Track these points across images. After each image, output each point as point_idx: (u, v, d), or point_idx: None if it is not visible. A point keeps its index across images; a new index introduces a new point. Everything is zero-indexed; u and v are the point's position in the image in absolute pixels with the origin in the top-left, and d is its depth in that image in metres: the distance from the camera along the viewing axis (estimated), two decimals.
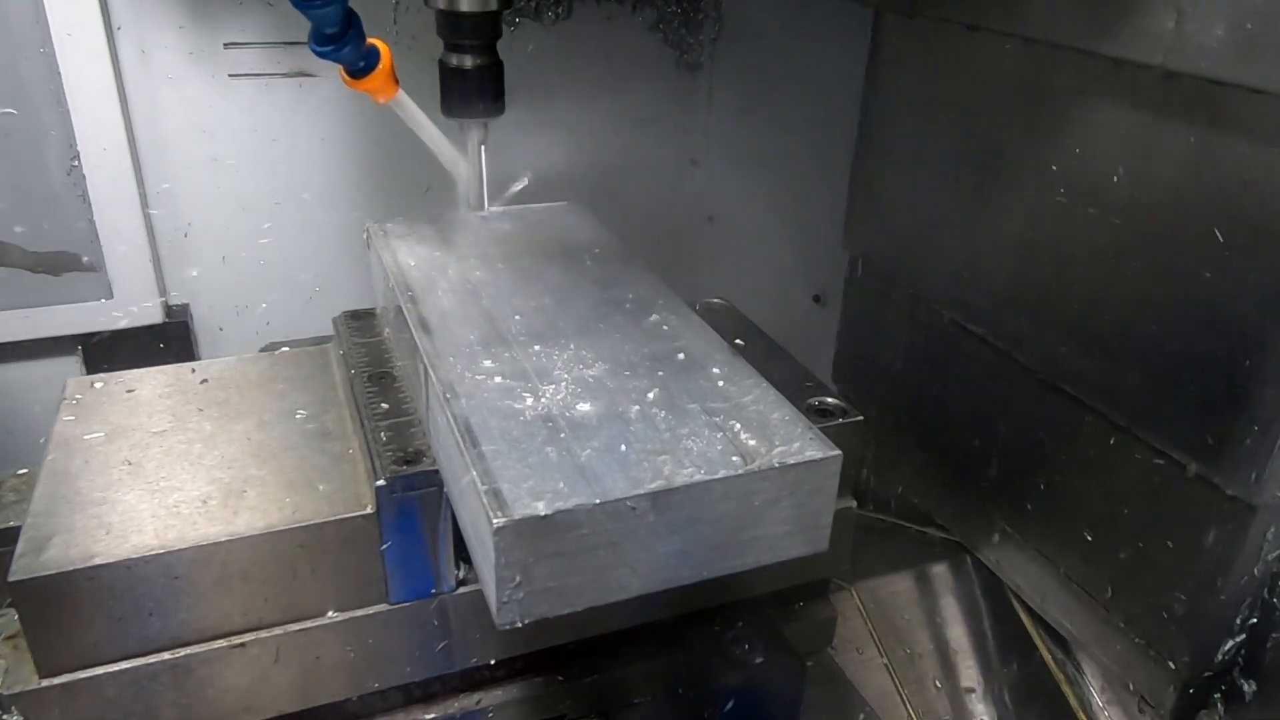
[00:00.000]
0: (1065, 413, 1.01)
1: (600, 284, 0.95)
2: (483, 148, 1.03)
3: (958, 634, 1.17)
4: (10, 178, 1.19)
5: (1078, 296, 0.97)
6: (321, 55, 0.85)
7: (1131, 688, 0.99)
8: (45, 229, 1.23)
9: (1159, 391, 0.90)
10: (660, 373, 0.80)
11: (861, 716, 0.97)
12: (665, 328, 0.88)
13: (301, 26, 0.81)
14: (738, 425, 0.73)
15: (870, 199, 1.30)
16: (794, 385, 0.97)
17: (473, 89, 0.99)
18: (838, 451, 0.71)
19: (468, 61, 0.97)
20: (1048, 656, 1.10)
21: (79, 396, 0.95)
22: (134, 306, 1.29)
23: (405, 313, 0.88)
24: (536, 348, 0.82)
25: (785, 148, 1.55)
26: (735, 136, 1.55)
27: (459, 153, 1.04)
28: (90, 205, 1.22)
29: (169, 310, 1.33)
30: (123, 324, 1.29)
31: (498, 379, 0.78)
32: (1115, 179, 0.91)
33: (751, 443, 0.71)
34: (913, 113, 1.19)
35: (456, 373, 0.78)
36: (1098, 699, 1.06)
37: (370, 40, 0.89)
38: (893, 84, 1.23)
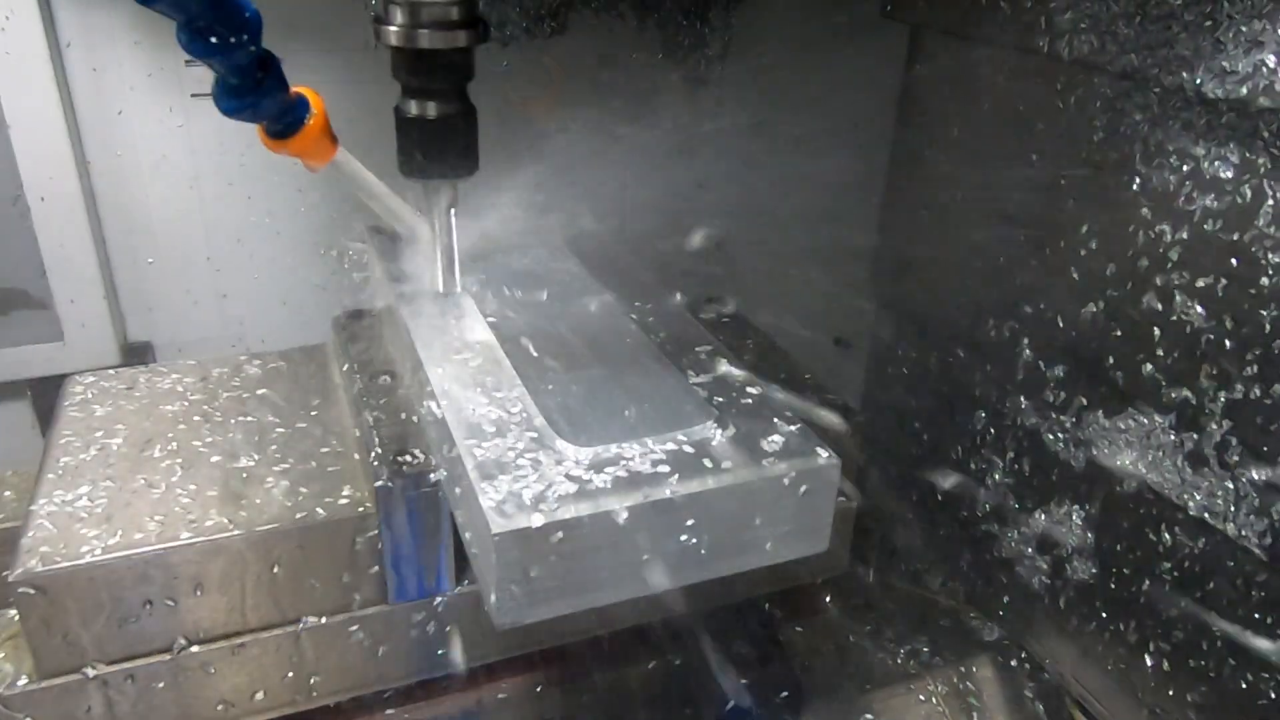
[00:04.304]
0: (1140, 498, 0.90)
1: (603, 284, 0.96)
2: (453, 214, 0.87)
3: None
4: None
5: (1158, 362, 0.85)
6: (232, 114, 0.68)
7: None
8: None
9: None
10: (660, 375, 0.80)
11: (867, 717, 0.97)
12: (666, 329, 0.88)
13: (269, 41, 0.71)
14: (737, 429, 0.73)
15: (902, 236, 1.18)
16: (793, 385, 0.97)
17: (439, 144, 0.82)
18: (837, 460, 0.71)
19: (432, 110, 0.81)
20: None
21: (79, 395, 0.95)
22: (87, 347, 1.19)
23: (403, 313, 0.88)
24: (536, 349, 0.82)
25: (803, 173, 1.40)
26: (746, 160, 1.43)
27: (423, 220, 0.89)
28: (37, 238, 1.12)
29: (128, 349, 1.23)
30: (75, 366, 1.15)
31: (497, 379, 0.78)
32: (1207, 225, 0.80)
33: (751, 447, 0.71)
34: (954, 142, 1.07)
35: (455, 373, 0.78)
36: None
37: (296, 88, 0.73)
38: (933, 112, 1.10)
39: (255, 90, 0.67)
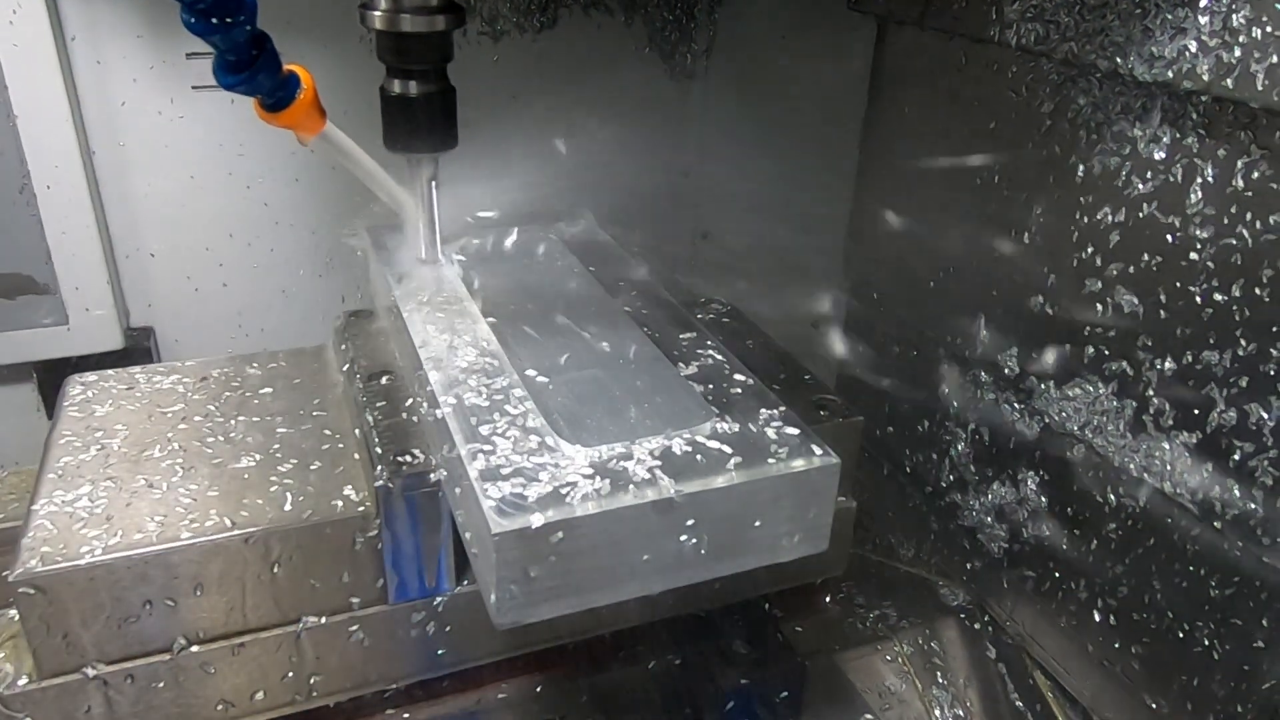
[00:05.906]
0: (1088, 462, 0.94)
1: (603, 283, 0.95)
2: (434, 186, 0.92)
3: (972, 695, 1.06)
4: None
5: (1099, 336, 0.90)
6: (231, 87, 0.74)
7: None
8: None
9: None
10: (660, 376, 0.80)
11: (867, 717, 0.97)
12: (666, 332, 0.87)
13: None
14: (737, 429, 0.73)
15: (872, 224, 1.21)
16: (793, 385, 0.97)
17: (421, 119, 0.88)
18: (836, 460, 0.71)
19: (414, 88, 0.88)
20: None
21: (79, 395, 0.95)
22: (91, 332, 1.22)
23: (403, 313, 0.88)
24: (536, 350, 0.82)
25: (783, 162, 1.45)
26: (730, 150, 1.48)
27: (406, 193, 0.94)
28: (43, 225, 1.15)
29: (130, 335, 1.26)
30: (79, 350, 1.21)
31: (497, 380, 0.78)
32: (1144, 204, 0.84)
33: (751, 447, 0.71)
34: (920, 133, 1.11)
35: (455, 374, 0.78)
36: None
37: (289, 66, 0.78)
38: (898, 102, 1.14)
39: (251, 66, 0.73)
